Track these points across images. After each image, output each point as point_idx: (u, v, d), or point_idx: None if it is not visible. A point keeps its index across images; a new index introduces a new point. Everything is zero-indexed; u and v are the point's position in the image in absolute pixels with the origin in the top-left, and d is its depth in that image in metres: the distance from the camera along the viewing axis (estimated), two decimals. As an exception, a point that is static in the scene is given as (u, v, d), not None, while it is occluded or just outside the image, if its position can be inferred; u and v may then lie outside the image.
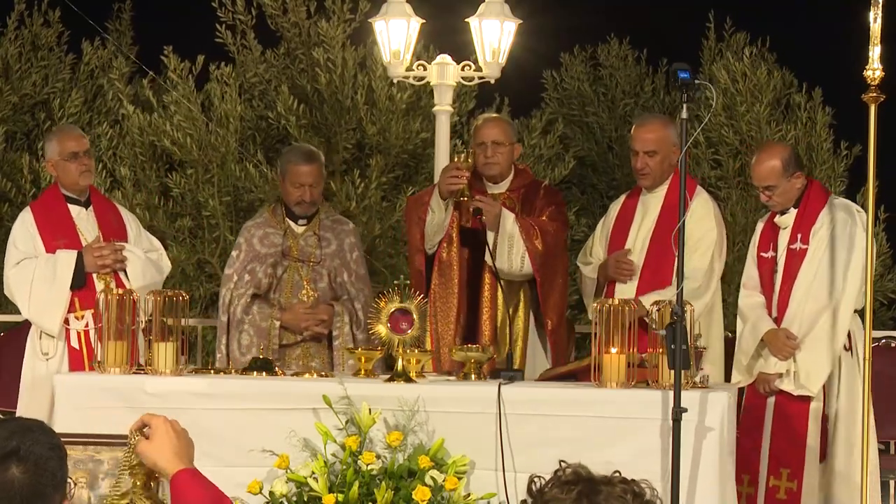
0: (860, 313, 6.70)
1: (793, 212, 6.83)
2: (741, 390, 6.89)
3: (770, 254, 6.88)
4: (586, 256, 7.31)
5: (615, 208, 7.27)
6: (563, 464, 2.77)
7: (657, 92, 10.85)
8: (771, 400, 6.78)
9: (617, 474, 2.75)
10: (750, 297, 6.90)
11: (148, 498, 3.53)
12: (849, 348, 6.71)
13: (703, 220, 6.98)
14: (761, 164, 6.83)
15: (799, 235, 6.78)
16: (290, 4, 10.48)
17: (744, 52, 10.21)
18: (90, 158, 7.29)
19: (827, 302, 6.65)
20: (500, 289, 7.06)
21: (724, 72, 10.15)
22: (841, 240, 6.66)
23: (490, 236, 7.00)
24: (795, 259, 6.77)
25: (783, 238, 6.85)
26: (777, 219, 6.89)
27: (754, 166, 6.90)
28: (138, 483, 3.52)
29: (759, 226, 7.03)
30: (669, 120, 6.87)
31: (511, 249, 6.99)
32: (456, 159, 7.21)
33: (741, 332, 6.89)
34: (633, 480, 2.74)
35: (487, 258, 7.04)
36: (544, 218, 7.16)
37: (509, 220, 7.03)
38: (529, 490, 2.77)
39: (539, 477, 2.77)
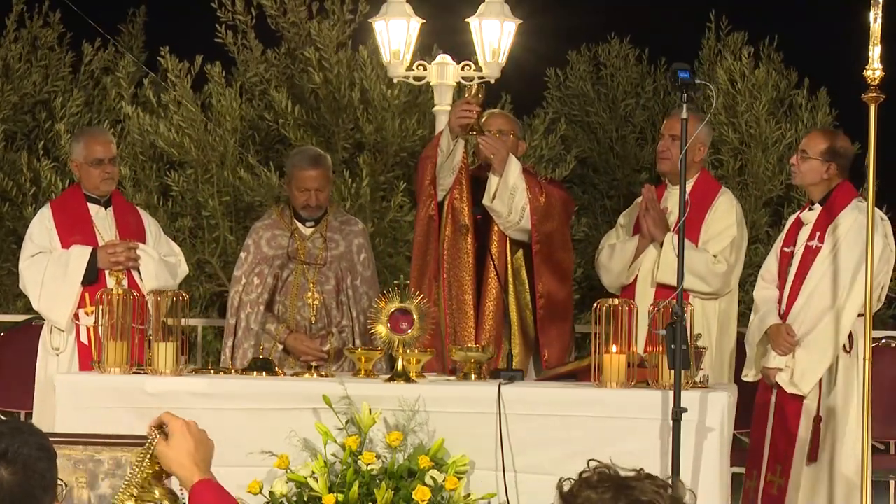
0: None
1: (818, 209, 6.81)
2: (754, 386, 6.90)
3: (791, 248, 6.86)
4: (611, 239, 7.27)
5: (640, 199, 7.20)
6: (590, 463, 2.77)
7: (658, 92, 10.84)
8: (773, 397, 6.77)
9: (642, 471, 2.76)
10: (765, 289, 6.90)
11: (159, 489, 3.47)
12: (848, 350, 6.68)
13: (726, 216, 7.03)
14: (813, 133, 7.13)
15: (817, 234, 6.75)
16: (289, 5, 10.47)
17: (741, 52, 10.20)
18: (114, 166, 7.24)
19: (832, 303, 6.60)
20: (508, 271, 6.93)
21: (722, 72, 10.14)
22: (856, 243, 6.57)
23: (493, 181, 6.85)
24: (809, 256, 6.75)
25: (803, 234, 6.83)
26: (803, 214, 6.88)
27: (807, 134, 7.27)
28: (150, 475, 3.46)
29: (789, 221, 7.03)
30: (702, 118, 6.81)
31: (512, 200, 6.81)
32: (467, 94, 6.94)
33: (751, 322, 6.90)
34: (655, 476, 2.75)
35: (485, 199, 6.85)
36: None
37: (515, 170, 6.84)
38: (560, 492, 2.75)
39: (568, 479, 2.76)
